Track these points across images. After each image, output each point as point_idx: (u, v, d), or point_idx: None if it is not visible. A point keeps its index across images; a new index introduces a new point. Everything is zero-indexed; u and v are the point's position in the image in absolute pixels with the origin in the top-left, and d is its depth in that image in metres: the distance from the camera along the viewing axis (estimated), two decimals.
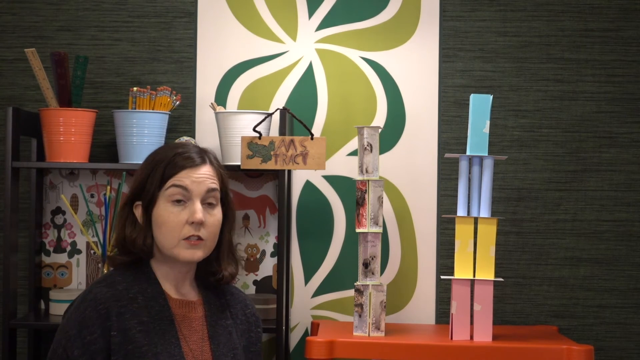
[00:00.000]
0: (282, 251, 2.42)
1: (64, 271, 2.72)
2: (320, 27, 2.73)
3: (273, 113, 2.48)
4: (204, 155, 1.81)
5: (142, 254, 1.78)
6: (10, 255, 2.43)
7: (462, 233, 2.28)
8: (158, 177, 1.76)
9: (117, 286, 1.74)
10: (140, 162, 2.49)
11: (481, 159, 2.29)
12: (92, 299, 1.71)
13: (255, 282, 2.72)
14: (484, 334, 2.27)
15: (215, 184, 1.79)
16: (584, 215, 2.72)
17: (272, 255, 2.72)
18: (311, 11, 2.73)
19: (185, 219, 1.75)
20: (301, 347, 2.72)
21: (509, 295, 2.72)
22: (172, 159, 1.77)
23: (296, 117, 2.44)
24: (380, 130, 2.48)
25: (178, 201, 1.75)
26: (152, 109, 2.55)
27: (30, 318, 2.54)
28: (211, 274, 1.84)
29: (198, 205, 1.75)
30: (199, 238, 1.75)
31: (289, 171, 2.68)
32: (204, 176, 1.77)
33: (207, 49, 2.74)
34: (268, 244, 2.72)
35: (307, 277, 2.73)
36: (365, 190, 2.35)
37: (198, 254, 1.76)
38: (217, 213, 1.80)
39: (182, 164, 1.76)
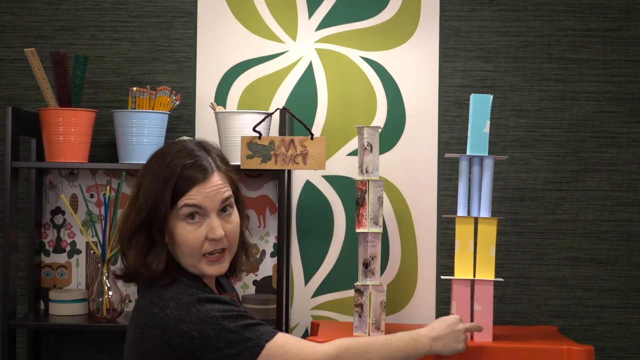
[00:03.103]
0: (282, 251, 2.41)
1: (64, 271, 2.72)
2: (320, 26, 2.73)
3: (273, 113, 2.48)
4: (211, 161, 1.73)
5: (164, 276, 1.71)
6: (10, 255, 2.43)
7: (462, 233, 2.28)
8: (168, 197, 1.67)
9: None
10: (140, 162, 2.49)
11: (481, 159, 2.29)
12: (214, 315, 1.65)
13: (255, 282, 2.72)
14: (484, 334, 2.26)
15: (228, 191, 1.73)
16: (585, 215, 2.72)
17: (272, 255, 2.72)
18: (311, 11, 2.73)
19: (204, 235, 1.69)
20: None
21: (509, 296, 2.72)
22: (180, 173, 1.68)
23: (296, 117, 2.44)
24: (380, 130, 2.48)
25: (192, 217, 1.69)
26: (152, 109, 2.55)
27: (29, 318, 2.54)
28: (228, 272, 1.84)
29: (216, 221, 1.70)
30: (222, 250, 1.72)
31: (289, 171, 2.68)
32: (215, 188, 1.71)
33: (207, 49, 2.73)
34: (268, 244, 2.72)
35: (307, 277, 2.72)
36: (365, 190, 2.35)
37: (224, 267, 1.74)
38: (235, 217, 1.75)
39: (193, 179, 1.68)
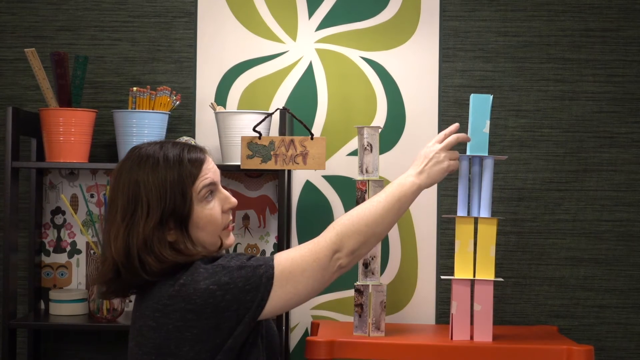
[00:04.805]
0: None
1: (64, 271, 2.72)
2: (320, 27, 2.73)
3: (273, 113, 2.48)
4: (197, 145, 1.80)
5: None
6: (10, 255, 2.43)
7: (462, 233, 2.28)
8: (189, 184, 1.72)
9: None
10: None
11: (481, 159, 2.29)
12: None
13: None
14: (484, 334, 2.26)
15: None
16: (584, 215, 2.72)
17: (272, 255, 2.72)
18: (311, 11, 2.73)
19: (221, 208, 1.77)
20: (301, 347, 2.72)
21: (509, 295, 2.72)
22: (185, 168, 1.73)
23: (296, 117, 2.44)
24: (380, 130, 2.48)
25: (209, 196, 1.76)
26: (152, 109, 2.55)
27: (30, 318, 2.54)
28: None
29: (225, 191, 1.80)
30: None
31: (289, 171, 2.68)
32: (212, 162, 1.79)
33: (207, 49, 2.74)
34: (268, 244, 2.72)
35: None
36: (365, 190, 2.35)
37: (234, 236, 1.83)
38: None
39: (200, 160, 1.75)
